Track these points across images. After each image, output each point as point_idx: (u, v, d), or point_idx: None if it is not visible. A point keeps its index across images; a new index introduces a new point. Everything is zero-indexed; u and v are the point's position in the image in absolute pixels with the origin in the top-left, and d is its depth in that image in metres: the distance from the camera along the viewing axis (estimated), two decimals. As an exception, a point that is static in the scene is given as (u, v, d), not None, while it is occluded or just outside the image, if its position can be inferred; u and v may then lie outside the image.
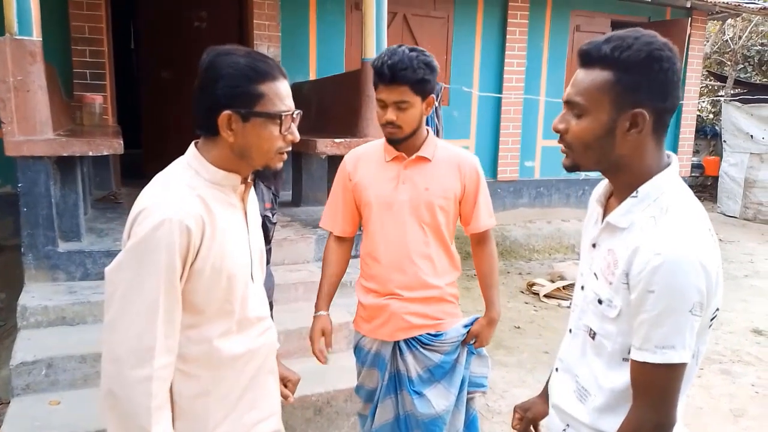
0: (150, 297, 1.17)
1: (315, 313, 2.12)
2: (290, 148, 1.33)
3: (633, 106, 1.11)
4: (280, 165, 1.33)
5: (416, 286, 2.00)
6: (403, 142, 1.96)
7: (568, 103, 1.18)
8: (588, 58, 1.15)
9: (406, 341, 2.02)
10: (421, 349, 2.02)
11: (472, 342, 2.09)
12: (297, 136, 1.31)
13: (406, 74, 1.81)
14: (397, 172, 1.99)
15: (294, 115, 1.30)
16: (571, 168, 1.24)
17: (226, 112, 1.22)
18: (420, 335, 2.01)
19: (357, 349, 2.16)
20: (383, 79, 1.85)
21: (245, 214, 1.39)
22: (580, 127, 1.16)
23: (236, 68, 1.23)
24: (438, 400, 2.01)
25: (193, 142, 1.34)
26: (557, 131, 1.21)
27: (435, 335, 2.02)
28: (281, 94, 1.27)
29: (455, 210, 2.04)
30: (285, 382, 1.67)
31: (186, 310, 1.25)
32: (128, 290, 1.18)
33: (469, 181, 2.02)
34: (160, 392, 1.21)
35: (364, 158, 2.08)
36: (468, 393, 2.12)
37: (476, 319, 2.11)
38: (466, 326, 2.08)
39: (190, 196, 1.24)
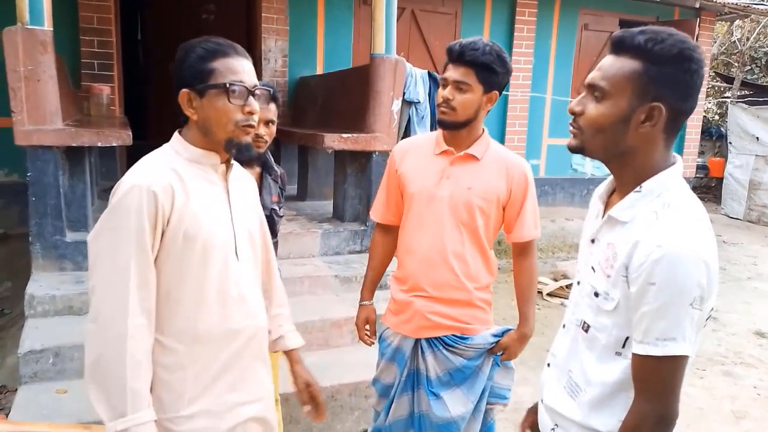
0: (123, 260, 1.27)
1: (360, 302, 2.22)
2: (254, 122, 1.37)
3: (653, 99, 1.13)
4: (245, 139, 1.38)
5: (445, 286, 1.95)
6: (453, 129, 1.91)
7: (590, 87, 1.19)
8: (620, 46, 1.16)
9: (428, 340, 1.98)
10: (444, 351, 1.97)
11: (499, 354, 2.02)
12: (255, 108, 1.37)
13: (475, 55, 1.81)
14: (443, 166, 1.94)
15: (252, 89, 1.35)
16: (575, 149, 1.24)
17: (184, 90, 1.34)
18: (444, 336, 1.97)
19: (380, 339, 2.15)
20: (452, 56, 1.86)
21: (228, 192, 1.44)
22: (598, 110, 1.17)
23: (193, 52, 1.34)
24: (455, 405, 1.96)
25: (177, 129, 1.44)
26: (573, 113, 1.22)
27: (461, 338, 1.97)
28: (234, 68, 1.34)
29: (497, 214, 1.96)
30: (308, 386, 1.68)
31: (162, 280, 1.32)
32: (106, 255, 1.30)
33: (516, 187, 1.94)
34: (137, 351, 1.27)
35: (413, 149, 2.06)
36: (488, 404, 2.07)
37: (507, 330, 2.03)
38: (495, 336, 2.01)
39: (164, 169, 1.34)
